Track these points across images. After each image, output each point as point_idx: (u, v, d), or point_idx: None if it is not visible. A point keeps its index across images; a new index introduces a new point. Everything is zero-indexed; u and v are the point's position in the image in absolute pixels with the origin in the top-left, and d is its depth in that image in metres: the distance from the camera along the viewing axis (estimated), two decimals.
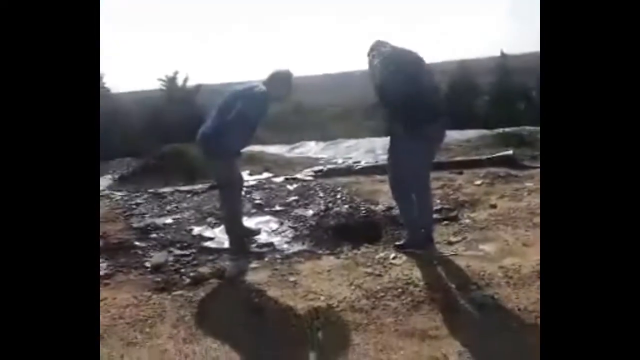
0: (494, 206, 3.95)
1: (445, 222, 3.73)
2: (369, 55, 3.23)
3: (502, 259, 2.91)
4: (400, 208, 3.37)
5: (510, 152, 5.53)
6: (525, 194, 4.25)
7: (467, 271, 2.79)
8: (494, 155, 5.55)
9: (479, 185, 4.70)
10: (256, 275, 3.02)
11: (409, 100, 2.91)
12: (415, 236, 3.27)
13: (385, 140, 8.02)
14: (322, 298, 2.59)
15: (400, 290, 2.59)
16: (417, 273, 2.79)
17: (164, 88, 22.71)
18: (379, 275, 2.80)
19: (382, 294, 2.56)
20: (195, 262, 3.45)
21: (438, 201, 4.27)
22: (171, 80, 22.99)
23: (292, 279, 2.91)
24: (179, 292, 2.88)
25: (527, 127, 7.29)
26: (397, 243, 3.40)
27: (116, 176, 6.66)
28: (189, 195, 5.10)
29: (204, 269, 3.19)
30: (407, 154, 3.08)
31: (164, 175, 6.41)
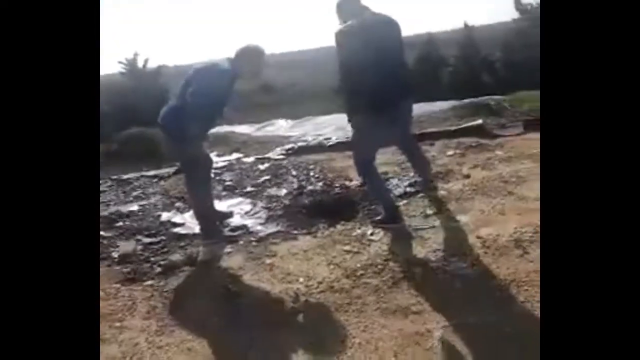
0: (467, 176, 3.93)
1: (420, 194, 3.68)
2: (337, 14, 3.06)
3: (479, 228, 2.89)
4: (369, 186, 3.32)
5: (480, 121, 5.53)
6: (497, 163, 4.25)
7: (445, 243, 2.76)
8: (464, 126, 5.54)
9: (451, 155, 4.68)
10: (230, 260, 2.91)
11: (374, 84, 2.79)
12: (390, 211, 3.22)
13: None
14: (301, 280, 2.51)
15: (380, 267, 2.53)
16: (395, 248, 2.74)
17: (124, 71, 21.80)
18: (358, 252, 2.74)
19: (362, 272, 2.50)
20: (165, 249, 3.30)
21: (411, 174, 4.23)
22: (131, 63, 22.08)
23: (268, 261, 2.81)
24: (149, 282, 2.75)
25: (495, 97, 7.33)
26: (375, 219, 3.35)
27: None
28: (155, 180, 4.90)
29: (175, 257, 3.05)
30: (371, 137, 3.00)
31: (127, 161, 6.15)
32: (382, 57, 2.85)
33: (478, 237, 2.77)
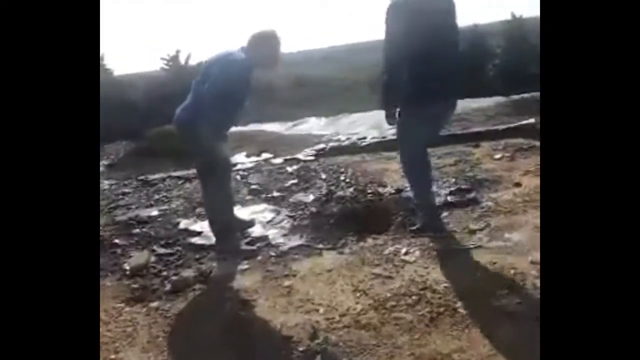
0: (518, 184, 3.46)
1: (463, 205, 3.25)
2: None
3: (534, 251, 2.44)
4: (412, 185, 2.96)
5: (532, 120, 4.98)
6: None
7: (494, 269, 2.34)
8: (513, 125, 5.01)
9: (498, 159, 4.20)
10: (246, 279, 2.60)
11: (429, 66, 2.43)
12: (431, 218, 2.86)
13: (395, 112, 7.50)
14: (321, 310, 2.17)
15: (415, 297, 2.15)
16: (434, 274, 2.35)
17: (166, 67, 22.10)
18: (389, 277, 2.36)
19: (394, 303, 2.12)
20: (179, 262, 3.04)
21: (453, 180, 3.80)
22: (174, 59, 22.34)
23: (286, 283, 2.48)
24: (155, 303, 2.48)
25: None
26: (412, 228, 2.98)
27: (105, 162, 6.26)
28: (180, 182, 4.67)
29: (187, 273, 2.77)
30: (421, 128, 2.63)
31: (158, 158, 6.00)
32: (438, 36, 2.52)
33: (533, 263, 2.33)
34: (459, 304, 2.07)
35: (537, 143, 4.56)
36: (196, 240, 3.28)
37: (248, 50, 2.74)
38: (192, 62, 19.70)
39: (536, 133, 4.86)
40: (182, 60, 21.75)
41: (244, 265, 2.76)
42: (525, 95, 6.40)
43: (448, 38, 2.60)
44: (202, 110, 2.61)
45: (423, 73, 2.50)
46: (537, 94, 6.58)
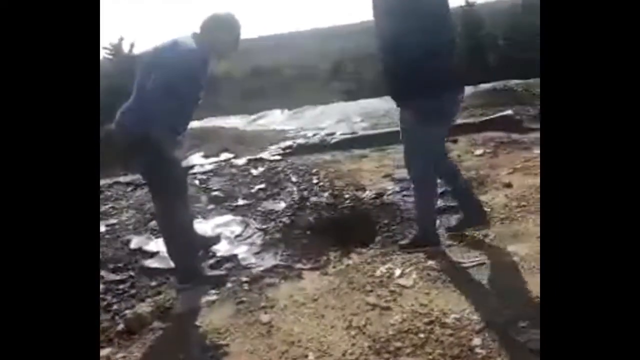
0: (508, 185, 3.20)
1: (453, 211, 2.95)
2: None
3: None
4: (419, 195, 2.57)
5: (510, 111, 4.78)
6: (539, 166, 3.52)
7: (507, 293, 2.03)
8: (490, 117, 4.78)
9: (480, 155, 3.95)
10: (214, 315, 2.18)
11: (420, 60, 2.08)
12: (427, 230, 2.54)
13: (360, 105, 7.14)
14: (311, 357, 1.78)
15: (422, 335, 1.81)
16: (438, 301, 2.01)
17: (109, 57, 20.73)
18: (387, 308, 2.01)
19: (398, 344, 1.77)
20: (132, 290, 2.58)
21: (438, 181, 3.49)
22: (116, 48, 20.99)
23: (264, 318, 2.08)
24: (106, 350, 2.02)
25: (514, 81, 6.55)
26: (402, 242, 2.64)
27: None
28: (129, 190, 4.13)
29: (143, 308, 2.31)
30: (433, 129, 2.32)
31: (107, 162, 5.34)
32: (430, 19, 2.17)
33: None
34: (475, 340, 1.75)
35: (518, 136, 4.36)
36: (151, 263, 2.81)
37: (201, 36, 2.28)
38: (137, 50, 18.56)
39: (514, 125, 4.67)
40: (125, 49, 20.44)
41: (211, 296, 2.34)
42: (495, 84, 6.22)
43: (442, 21, 2.25)
44: (151, 113, 2.13)
45: (417, 64, 2.14)
46: (508, 83, 6.42)
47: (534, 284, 2.04)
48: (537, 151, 3.86)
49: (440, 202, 3.08)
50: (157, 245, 2.95)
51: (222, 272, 2.56)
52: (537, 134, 4.40)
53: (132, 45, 20.69)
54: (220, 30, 2.32)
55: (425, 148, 2.40)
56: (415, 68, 2.13)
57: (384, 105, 6.72)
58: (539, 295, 1.98)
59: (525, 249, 2.35)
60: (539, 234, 2.48)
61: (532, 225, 2.57)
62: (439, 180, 2.65)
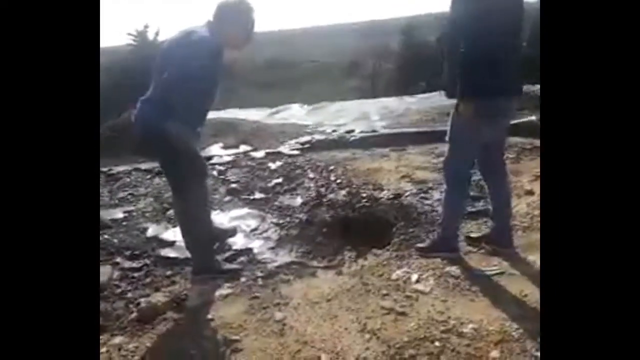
0: (530, 192, 3.14)
1: (472, 217, 2.90)
2: None
3: None
4: (449, 199, 2.45)
5: (533, 117, 4.68)
6: None
7: (527, 303, 1.99)
8: (513, 122, 4.67)
9: None
10: (228, 309, 2.17)
11: (490, 58, 2.05)
12: (448, 236, 2.48)
13: (378, 103, 7.07)
14: (323, 358, 1.76)
15: (438, 344, 1.77)
16: (455, 309, 1.98)
17: (133, 43, 20.90)
18: (402, 313, 1.98)
19: (413, 352, 1.74)
20: (147, 279, 2.59)
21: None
22: (141, 35, 21.16)
23: (278, 315, 2.07)
24: (117, 339, 2.03)
25: (536, 86, 6.40)
26: (419, 245, 2.60)
27: None
28: (148, 177, 4.16)
29: (157, 297, 2.32)
30: (479, 132, 2.24)
31: (122, 150, 5.37)
32: (504, 20, 2.11)
33: None
34: (493, 353, 1.71)
35: (539, 142, 4.26)
36: (167, 252, 2.82)
37: (214, 25, 2.22)
38: (162, 37, 18.61)
39: (536, 131, 4.57)
40: (150, 36, 20.61)
41: (225, 290, 2.33)
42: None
43: (515, 21, 2.18)
44: (166, 105, 2.11)
45: (484, 63, 2.08)
46: (529, 88, 6.30)
47: None
48: None
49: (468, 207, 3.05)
50: (174, 234, 2.96)
51: (237, 266, 2.55)
52: None
53: (157, 33, 20.75)
54: (233, 18, 2.24)
55: (468, 149, 2.31)
56: (488, 65, 2.07)
57: (402, 105, 6.67)
58: None
59: None
60: None
61: None
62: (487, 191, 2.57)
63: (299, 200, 3.43)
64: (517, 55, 2.20)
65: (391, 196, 3.33)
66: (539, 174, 3.49)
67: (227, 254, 2.72)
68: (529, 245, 2.47)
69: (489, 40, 2.06)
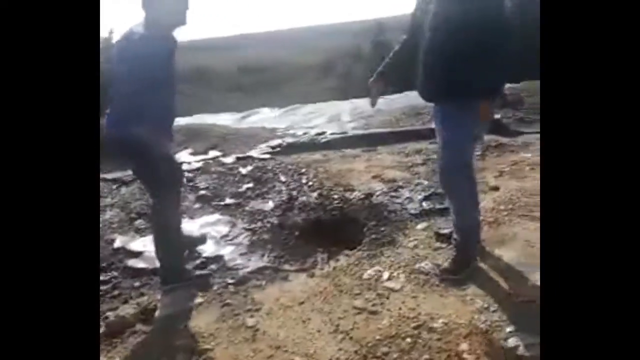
0: (495, 188, 3.21)
1: (440, 213, 2.94)
2: None
3: (532, 272, 2.16)
4: (458, 198, 2.30)
5: (497, 115, 4.79)
6: (526, 169, 3.54)
7: (493, 297, 2.03)
8: None
9: None
10: (199, 318, 2.14)
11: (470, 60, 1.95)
12: (469, 247, 2.30)
13: (350, 104, 7.10)
14: None
15: (409, 340, 1.79)
16: (425, 305, 2.00)
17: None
18: (374, 312, 1.99)
19: (385, 349, 1.76)
20: (115, 291, 2.52)
21: (425, 182, 3.50)
22: (106, 41, 20.69)
23: (250, 322, 2.05)
24: None
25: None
26: (444, 267, 2.26)
27: None
28: (115, 187, 4.06)
29: (126, 310, 2.26)
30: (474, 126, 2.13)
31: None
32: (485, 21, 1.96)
33: (534, 286, 2.05)
34: (462, 346, 1.74)
35: (505, 140, 4.37)
36: (135, 263, 2.76)
37: (146, 17, 2.17)
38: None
39: (501, 128, 4.68)
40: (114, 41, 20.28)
41: (196, 298, 2.30)
42: None
43: (495, 23, 1.99)
44: (125, 112, 2.10)
45: (459, 54, 1.98)
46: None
47: (521, 288, 2.04)
48: (524, 154, 3.88)
49: (426, 205, 3.10)
50: (143, 244, 2.90)
51: (207, 272, 2.52)
52: (525, 137, 4.43)
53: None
54: (160, 2, 2.16)
55: (467, 147, 2.22)
56: (466, 67, 1.98)
57: None
58: (526, 299, 1.98)
59: (512, 252, 2.35)
60: (526, 238, 2.49)
61: (520, 229, 2.58)
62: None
63: (270, 205, 3.41)
64: (494, 59, 1.99)
65: (362, 196, 3.35)
66: (504, 170, 3.58)
67: (197, 262, 2.69)
68: (495, 239, 2.52)
69: (464, 47, 1.96)
